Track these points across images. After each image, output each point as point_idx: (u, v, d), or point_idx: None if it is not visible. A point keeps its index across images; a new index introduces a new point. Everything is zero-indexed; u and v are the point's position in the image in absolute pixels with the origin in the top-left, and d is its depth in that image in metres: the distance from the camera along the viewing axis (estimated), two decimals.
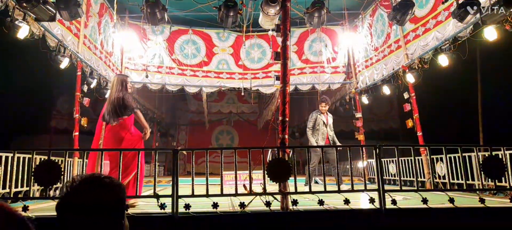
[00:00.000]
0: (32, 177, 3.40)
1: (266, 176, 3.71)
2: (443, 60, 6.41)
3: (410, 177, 7.73)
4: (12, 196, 4.20)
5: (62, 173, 3.46)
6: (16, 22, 4.92)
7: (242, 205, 3.55)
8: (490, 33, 5.31)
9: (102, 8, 7.88)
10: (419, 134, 7.31)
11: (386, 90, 8.49)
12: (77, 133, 6.74)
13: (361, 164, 8.55)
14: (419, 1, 6.93)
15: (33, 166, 3.51)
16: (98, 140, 4.58)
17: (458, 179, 6.17)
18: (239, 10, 6.14)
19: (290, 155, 4.20)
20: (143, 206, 4.27)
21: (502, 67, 9.25)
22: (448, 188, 4.26)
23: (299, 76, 10.16)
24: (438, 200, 4.03)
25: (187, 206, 3.44)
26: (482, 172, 3.97)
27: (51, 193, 5.65)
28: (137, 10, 7.82)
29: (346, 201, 3.62)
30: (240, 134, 16.17)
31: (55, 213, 1.15)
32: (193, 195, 3.65)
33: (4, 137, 10.56)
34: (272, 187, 3.87)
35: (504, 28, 5.12)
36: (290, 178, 3.75)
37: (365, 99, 9.45)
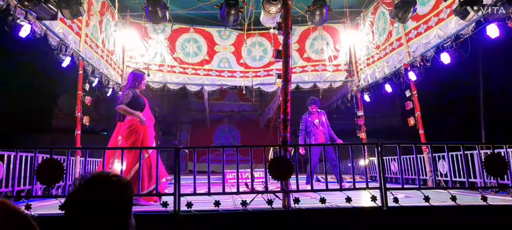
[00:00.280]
0: (35, 176, 3.42)
1: (268, 174, 3.71)
2: (445, 58, 6.38)
3: (412, 175, 7.72)
4: (14, 194, 4.22)
5: (65, 171, 3.47)
6: (18, 21, 4.93)
7: (244, 203, 3.56)
8: (492, 31, 5.29)
9: (103, 6, 7.88)
10: (421, 132, 7.29)
11: (388, 88, 8.47)
12: (79, 132, 6.76)
13: (363, 162, 8.55)
14: None
15: (36, 165, 3.53)
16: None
17: (460, 177, 6.16)
18: (241, 8, 6.13)
19: (292, 153, 4.20)
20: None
21: (504, 64, 9.23)
22: (450, 186, 4.25)
23: (301, 74, 10.14)
24: (440, 198, 4.03)
25: (189, 204, 3.45)
26: (484, 170, 3.96)
27: (54, 191, 5.67)
28: (138, 9, 7.81)
29: (348, 199, 3.62)
30: (241, 132, 16.17)
31: (57, 211, 1.16)
32: (195, 193, 3.66)
33: (6, 136, 10.60)
34: (274, 185, 3.88)
35: (506, 26, 5.10)
36: (291, 176, 3.75)
37: (366, 98, 9.44)
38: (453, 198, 3.70)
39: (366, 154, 8.38)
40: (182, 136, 16.01)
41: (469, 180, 5.28)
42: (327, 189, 3.83)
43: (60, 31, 6.11)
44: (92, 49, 7.38)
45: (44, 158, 3.67)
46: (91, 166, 7.76)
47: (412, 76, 7.25)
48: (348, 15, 9.61)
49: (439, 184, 6.48)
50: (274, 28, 5.85)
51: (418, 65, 7.13)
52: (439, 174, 6.79)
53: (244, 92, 10.11)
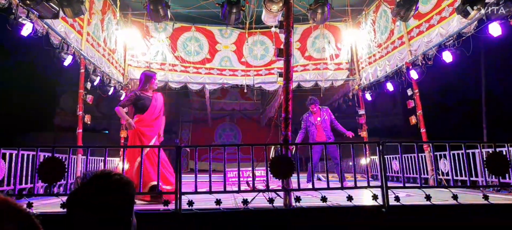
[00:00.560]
0: (36, 174, 3.43)
1: (269, 172, 3.71)
2: (447, 57, 6.36)
3: (413, 174, 7.71)
4: (16, 193, 4.23)
5: (66, 170, 3.48)
6: (20, 19, 4.93)
7: (245, 201, 3.56)
8: (495, 29, 5.27)
9: (105, 5, 7.89)
10: (423, 130, 7.28)
11: (390, 87, 8.45)
12: (80, 130, 6.77)
13: (364, 161, 8.54)
14: None
15: (37, 163, 3.54)
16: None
17: (461, 175, 6.14)
18: (242, 7, 6.12)
19: (293, 152, 4.20)
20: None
21: (506, 63, 9.20)
22: (452, 184, 4.24)
23: (302, 73, 10.13)
24: (441, 197, 4.03)
25: (190, 203, 3.46)
26: (486, 169, 3.96)
27: (55, 190, 5.69)
28: (140, 7, 7.80)
29: (349, 198, 3.62)
30: (243, 130, 16.18)
31: (59, 210, 1.16)
32: (196, 192, 3.67)
33: (8, 134, 10.63)
34: (275, 183, 3.88)
35: (508, 24, 5.08)
36: (293, 174, 3.75)
37: (368, 96, 9.42)
38: (455, 197, 3.70)
39: (367, 152, 8.42)
40: (184, 135, 16.02)
41: (471, 178, 5.27)
42: (328, 188, 3.83)
43: (62, 30, 6.12)
44: (94, 48, 7.39)
45: (46, 156, 3.68)
46: (93, 164, 7.78)
47: (413, 75, 7.23)
48: (349, 13, 9.58)
49: (440, 182, 6.46)
50: (275, 26, 5.84)
51: (420, 64, 7.11)
52: (440, 172, 6.78)
53: (245, 91, 10.10)
